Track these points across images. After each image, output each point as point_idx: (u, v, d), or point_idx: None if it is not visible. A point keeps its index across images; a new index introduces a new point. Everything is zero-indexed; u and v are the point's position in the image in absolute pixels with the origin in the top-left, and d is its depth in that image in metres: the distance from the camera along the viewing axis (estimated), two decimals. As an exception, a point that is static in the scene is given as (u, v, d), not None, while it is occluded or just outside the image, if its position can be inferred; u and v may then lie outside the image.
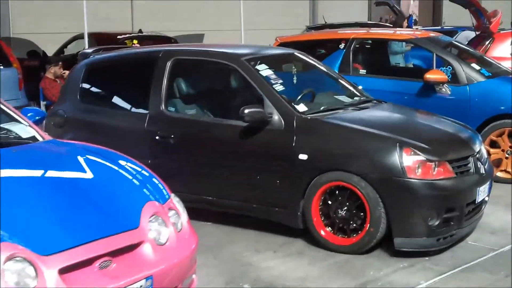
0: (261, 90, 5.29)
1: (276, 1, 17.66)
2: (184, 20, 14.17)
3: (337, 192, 4.91)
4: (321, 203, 4.98)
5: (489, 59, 8.10)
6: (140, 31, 11.71)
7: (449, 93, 7.15)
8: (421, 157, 4.76)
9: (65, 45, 12.64)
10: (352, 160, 4.85)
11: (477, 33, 11.46)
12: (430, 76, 7.09)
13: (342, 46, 7.75)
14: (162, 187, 3.71)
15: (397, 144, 4.79)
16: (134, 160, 3.92)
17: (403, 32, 8.02)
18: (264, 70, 5.47)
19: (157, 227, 3.40)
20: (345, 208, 4.89)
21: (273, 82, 5.38)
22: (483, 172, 5.17)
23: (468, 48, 8.22)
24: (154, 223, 3.41)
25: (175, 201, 3.67)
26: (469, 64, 7.31)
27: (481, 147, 5.42)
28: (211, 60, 5.76)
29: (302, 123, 5.10)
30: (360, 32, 7.91)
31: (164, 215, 3.47)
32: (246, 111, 5.04)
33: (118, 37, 10.94)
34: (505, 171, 7.03)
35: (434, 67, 7.29)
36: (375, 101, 5.98)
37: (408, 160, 4.73)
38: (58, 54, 12.52)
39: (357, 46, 7.79)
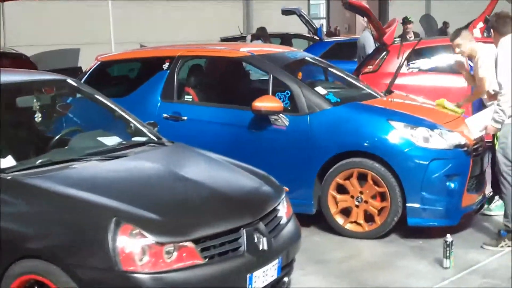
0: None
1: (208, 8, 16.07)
2: (60, 34, 12.63)
3: (35, 289, 3.39)
4: (20, 304, 3.45)
5: (352, 80, 6.61)
6: (-16, 48, 10.18)
7: (287, 124, 5.66)
8: (149, 238, 3.25)
9: None
10: (50, 244, 3.31)
11: (377, 45, 10.18)
12: (260, 104, 5.57)
13: (165, 66, 6.20)
14: None
15: (113, 218, 3.26)
16: None
17: (234, 49, 6.49)
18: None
19: None
20: (44, 313, 3.37)
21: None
22: (265, 247, 3.66)
23: (327, 67, 6.70)
24: None
25: None
26: (311, 88, 5.80)
27: (275, 209, 3.93)
28: None
29: (-2, 186, 3.56)
30: (187, 49, 6.37)
31: None
32: None
33: (-47, 55, 9.32)
34: (356, 222, 5.55)
35: (270, 92, 5.79)
36: (153, 144, 4.48)
37: (128, 244, 3.21)
38: None
39: (184, 66, 6.25)
